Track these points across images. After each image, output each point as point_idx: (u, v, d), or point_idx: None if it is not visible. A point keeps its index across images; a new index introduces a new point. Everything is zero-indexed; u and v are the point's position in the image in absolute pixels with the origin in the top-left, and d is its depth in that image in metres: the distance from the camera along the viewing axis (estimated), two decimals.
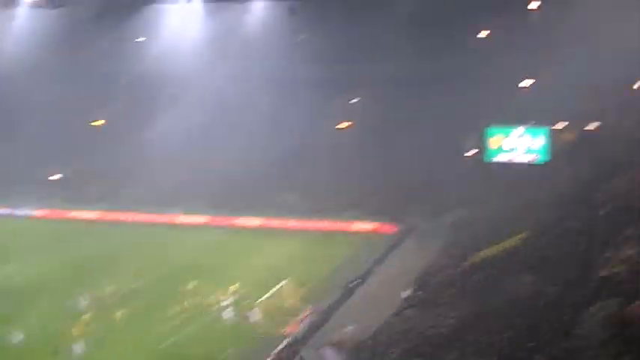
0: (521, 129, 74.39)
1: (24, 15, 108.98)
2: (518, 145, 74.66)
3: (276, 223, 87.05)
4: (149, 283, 63.60)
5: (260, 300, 53.36)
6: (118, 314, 55.07)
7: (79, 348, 49.14)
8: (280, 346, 48.16)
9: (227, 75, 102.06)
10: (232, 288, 58.95)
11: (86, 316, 53.72)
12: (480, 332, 34.60)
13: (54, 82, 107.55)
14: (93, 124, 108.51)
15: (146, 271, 67.45)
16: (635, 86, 75.79)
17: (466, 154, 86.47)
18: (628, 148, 57.46)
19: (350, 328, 46.63)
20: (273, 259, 71.12)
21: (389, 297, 53.63)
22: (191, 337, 51.47)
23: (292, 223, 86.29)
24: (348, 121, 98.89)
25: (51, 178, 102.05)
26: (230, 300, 57.30)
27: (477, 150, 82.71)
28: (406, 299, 51.16)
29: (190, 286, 60.32)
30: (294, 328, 51.54)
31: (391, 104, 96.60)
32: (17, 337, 50.55)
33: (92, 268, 68.68)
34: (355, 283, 60.65)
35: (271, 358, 46.24)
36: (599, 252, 35.22)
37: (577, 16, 78.39)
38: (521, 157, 74.56)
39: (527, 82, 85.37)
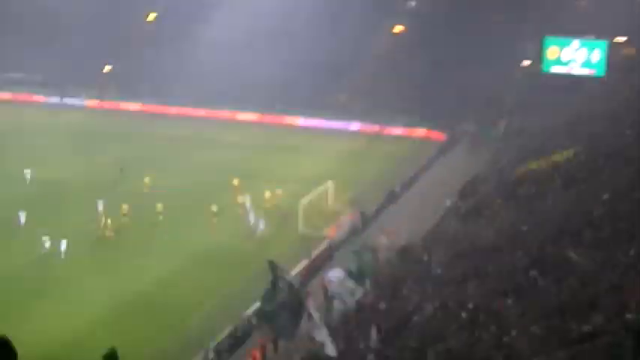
0: (576, 42, 72.37)
1: None
2: (576, 57, 72.79)
3: (326, 123, 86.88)
4: (197, 179, 64.07)
5: (304, 200, 53.29)
6: (166, 209, 55.52)
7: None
8: (319, 249, 48.30)
9: None
10: (278, 187, 59.33)
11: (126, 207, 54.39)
12: (519, 245, 34.33)
13: None
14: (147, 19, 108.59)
15: (194, 167, 68.15)
16: None
17: (522, 64, 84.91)
18: None
19: (386, 236, 46.39)
20: (321, 159, 71.25)
21: (433, 204, 53.48)
22: (236, 233, 51.94)
23: (343, 124, 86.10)
24: (402, 25, 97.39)
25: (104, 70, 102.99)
26: (276, 199, 57.75)
27: (533, 60, 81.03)
28: (449, 208, 50.95)
29: (236, 182, 60.75)
30: (335, 230, 51.69)
31: (448, 10, 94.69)
32: None
33: (142, 163, 69.15)
34: (401, 188, 60.46)
35: (310, 259, 46.37)
36: None
37: None
38: (577, 69, 72.78)
39: None
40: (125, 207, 53.78)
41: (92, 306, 39.57)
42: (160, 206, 54.74)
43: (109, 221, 51.48)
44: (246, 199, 56.72)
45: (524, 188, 47.91)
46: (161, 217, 54.24)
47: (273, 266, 31.07)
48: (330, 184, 57.33)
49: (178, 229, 52.21)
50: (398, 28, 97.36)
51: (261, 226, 51.64)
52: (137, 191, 59.88)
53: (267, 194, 58.26)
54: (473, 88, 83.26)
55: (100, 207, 53.97)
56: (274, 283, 30.75)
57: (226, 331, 36.36)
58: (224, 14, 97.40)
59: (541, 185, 46.56)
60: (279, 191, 58.61)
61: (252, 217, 53.12)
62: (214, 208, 54.42)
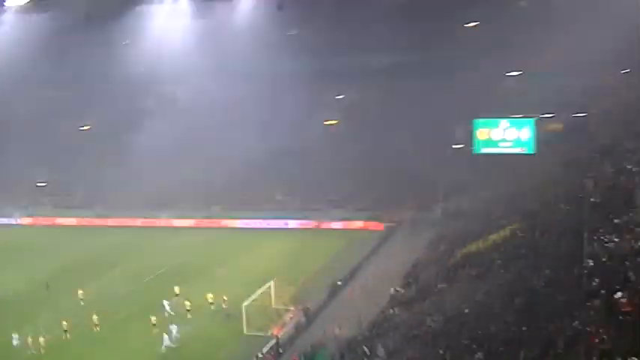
0: (505, 122, 73.53)
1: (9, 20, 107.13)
2: (506, 136, 73.78)
3: (263, 223, 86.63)
4: (138, 286, 62.90)
5: (248, 301, 52.39)
6: (107, 317, 54.33)
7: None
8: (266, 347, 47.44)
9: (216, 74, 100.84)
10: (220, 289, 58.36)
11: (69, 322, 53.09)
12: (468, 329, 33.93)
13: (41, 87, 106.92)
14: (82, 129, 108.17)
15: (135, 274, 67.03)
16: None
17: (454, 146, 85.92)
18: (614, 134, 56.90)
19: (336, 330, 45.88)
20: (260, 259, 70.59)
21: (376, 294, 52.93)
22: (180, 338, 50.74)
23: (279, 223, 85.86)
24: (335, 119, 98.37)
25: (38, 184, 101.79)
26: (218, 301, 56.69)
27: (465, 142, 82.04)
28: (393, 297, 50.42)
29: (177, 289, 59.70)
30: (281, 328, 50.77)
31: (377, 99, 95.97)
32: None
33: (81, 272, 67.86)
34: (342, 281, 59.86)
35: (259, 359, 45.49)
36: (588, 241, 34.58)
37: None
38: (508, 149, 73.69)
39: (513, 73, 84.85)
40: (65, 323, 52.57)
41: None
42: (95, 318, 53.52)
43: (41, 339, 49.98)
44: (189, 303, 55.80)
45: (466, 270, 47.78)
46: (97, 329, 53.01)
47: None
48: (271, 284, 56.44)
49: (118, 341, 50.79)
50: (329, 122, 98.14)
51: (175, 332, 50.40)
52: (71, 305, 58.69)
53: (210, 296, 57.26)
54: (407, 175, 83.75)
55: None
56: None
57: None
58: (154, 122, 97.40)
59: (482, 266, 46.47)
60: (222, 295, 57.54)
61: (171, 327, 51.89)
62: (153, 319, 53.16)
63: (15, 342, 50.34)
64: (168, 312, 55.21)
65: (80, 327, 53.45)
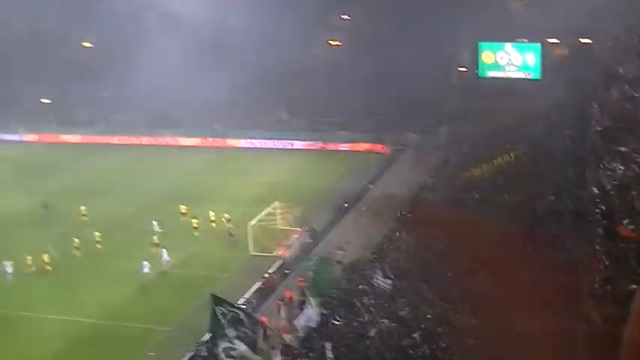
0: (509, 46, 73.40)
1: None
2: (511, 60, 73.73)
3: (268, 142, 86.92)
4: (143, 206, 63.57)
5: (254, 220, 53.14)
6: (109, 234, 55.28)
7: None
8: (271, 268, 48.29)
9: None
10: (226, 209, 59.07)
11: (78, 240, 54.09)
12: (472, 252, 34.63)
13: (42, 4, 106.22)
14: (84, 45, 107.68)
15: (140, 195, 67.61)
16: None
17: (459, 69, 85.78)
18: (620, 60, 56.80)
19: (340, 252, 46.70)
20: (266, 179, 71.03)
21: (382, 217, 53.57)
22: (186, 259, 51.64)
23: (285, 143, 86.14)
24: (337, 40, 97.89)
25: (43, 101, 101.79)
26: (223, 221, 57.44)
27: (469, 66, 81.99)
28: (398, 219, 51.11)
29: (183, 208, 60.46)
30: (287, 249, 51.59)
31: (380, 22, 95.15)
32: None
33: (86, 193, 68.44)
34: (348, 203, 60.49)
35: (263, 279, 46.35)
36: (592, 169, 35.04)
37: None
38: (514, 72, 73.71)
39: None
40: (76, 240, 53.83)
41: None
42: (97, 234, 54.74)
43: (45, 256, 51.11)
44: (195, 223, 56.69)
45: (470, 194, 48.37)
46: (99, 246, 54.20)
47: (216, 300, 30.76)
48: (277, 204, 57.11)
49: (120, 259, 51.85)
50: (333, 42, 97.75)
51: (165, 256, 51.15)
52: (74, 222, 59.74)
53: (212, 214, 58.10)
54: (412, 98, 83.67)
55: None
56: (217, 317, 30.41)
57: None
58: (158, 39, 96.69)
59: (485, 190, 47.06)
60: (226, 214, 58.21)
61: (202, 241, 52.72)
62: (155, 238, 54.07)
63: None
64: (157, 232, 55.75)
65: (85, 244, 54.36)
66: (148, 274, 48.77)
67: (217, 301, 30.67)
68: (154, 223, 56.56)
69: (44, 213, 62.19)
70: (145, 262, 49.09)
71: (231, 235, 54.95)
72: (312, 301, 34.05)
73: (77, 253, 53.53)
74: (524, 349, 23.40)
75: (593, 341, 19.80)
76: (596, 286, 22.82)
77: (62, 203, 64.34)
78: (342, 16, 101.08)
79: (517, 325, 24.77)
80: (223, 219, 57.53)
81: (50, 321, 43.16)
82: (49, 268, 50.71)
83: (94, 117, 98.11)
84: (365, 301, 34.82)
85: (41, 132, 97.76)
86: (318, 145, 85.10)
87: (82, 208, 61.73)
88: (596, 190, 31.02)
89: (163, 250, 51.20)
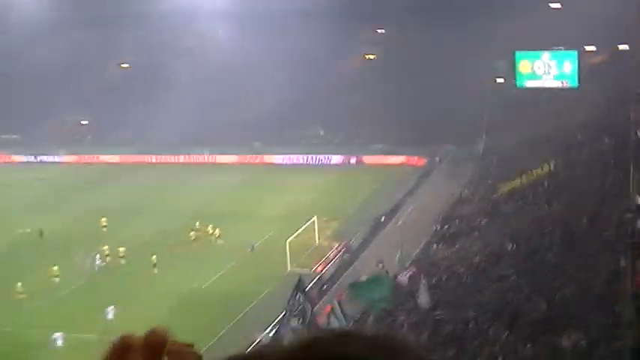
0: (546, 54, 72.75)
1: None
2: (548, 69, 73.09)
3: (306, 158, 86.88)
4: (182, 225, 63.35)
5: (290, 238, 52.87)
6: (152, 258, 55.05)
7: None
8: (310, 285, 47.77)
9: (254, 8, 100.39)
10: (262, 227, 58.92)
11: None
12: (507, 265, 34.18)
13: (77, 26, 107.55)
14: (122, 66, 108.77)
15: (178, 213, 67.39)
16: None
17: (495, 81, 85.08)
18: None
19: (380, 265, 46.23)
20: (302, 195, 70.63)
21: (419, 230, 53.14)
22: (223, 277, 51.46)
23: (321, 158, 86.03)
24: (373, 53, 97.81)
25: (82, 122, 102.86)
26: (260, 239, 57.25)
27: (506, 76, 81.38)
28: (435, 232, 50.67)
29: (220, 227, 60.24)
30: (324, 265, 51.26)
31: (415, 35, 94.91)
32: None
33: (123, 213, 68.41)
34: (385, 217, 60.02)
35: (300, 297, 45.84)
36: (634, 177, 34.41)
37: None
38: (551, 82, 73.07)
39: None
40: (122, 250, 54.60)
41: None
42: (122, 250, 55.07)
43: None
44: (232, 241, 56.64)
45: (508, 206, 47.86)
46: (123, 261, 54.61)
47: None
48: (315, 220, 56.86)
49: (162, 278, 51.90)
50: (368, 56, 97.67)
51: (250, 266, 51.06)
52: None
53: (252, 234, 58.01)
54: (448, 110, 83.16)
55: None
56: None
57: None
58: (193, 56, 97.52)
59: (524, 201, 46.53)
60: (263, 231, 58.04)
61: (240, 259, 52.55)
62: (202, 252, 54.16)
63: None
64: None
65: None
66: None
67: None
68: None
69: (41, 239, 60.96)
70: None
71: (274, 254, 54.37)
72: None
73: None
74: None
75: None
76: None
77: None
78: (377, 30, 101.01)
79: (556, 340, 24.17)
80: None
81: None
82: None
83: (132, 137, 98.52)
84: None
85: (80, 153, 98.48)
86: (353, 159, 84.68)
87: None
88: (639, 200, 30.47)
89: None
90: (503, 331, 26.86)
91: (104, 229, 61.79)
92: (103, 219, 62.42)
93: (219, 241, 57.95)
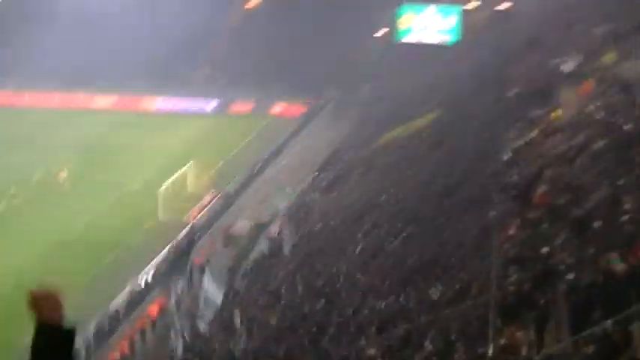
0: (432, 8, 72.73)
1: None
2: (430, 24, 73.13)
3: (184, 103, 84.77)
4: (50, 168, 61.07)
5: (164, 185, 51.49)
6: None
7: None
8: (182, 233, 46.81)
9: None
10: (136, 173, 57.36)
11: None
12: (385, 213, 34.00)
13: None
14: None
15: (48, 154, 64.85)
16: None
17: (376, 34, 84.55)
18: (541, 29, 56.74)
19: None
20: (178, 141, 68.96)
21: (296, 179, 52.73)
22: (92, 223, 49.85)
23: (201, 104, 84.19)
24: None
25: None
26: (133, 185, 55.73)
27: (387, 29, 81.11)
28: (311, 181, 50.32)
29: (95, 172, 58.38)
30: (197, 213, 50.26)
31: None
32: None
33: None
34: (261, 164, 59.23)
35: (173, 245, 44.91)
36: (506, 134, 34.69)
37: None
38: (431, 36, 73.16)
39: None
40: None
41: None
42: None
43: None
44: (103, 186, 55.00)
45: (389, 156, 47.76)
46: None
47: None
48: (188, 168, 55.45)
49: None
50: (252, 2, 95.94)
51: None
52: None
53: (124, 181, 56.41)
54: (330, 59, 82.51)
55: None
56: None
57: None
58: None
59: (405, 151, 46.50)
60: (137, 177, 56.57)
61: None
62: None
63: None
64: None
65: None
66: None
67: None
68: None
69: None
70: None
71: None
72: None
73: None
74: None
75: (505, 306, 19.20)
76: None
77: None
78: None
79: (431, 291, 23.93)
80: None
81: None
82: None
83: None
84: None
85: None
86: (234, 106, 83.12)
87: None
88: (507, 156, 30.73)
89: None
90: (377, 282, 26.63)
91: None
92: None
93: (87, 187, 55.86)
